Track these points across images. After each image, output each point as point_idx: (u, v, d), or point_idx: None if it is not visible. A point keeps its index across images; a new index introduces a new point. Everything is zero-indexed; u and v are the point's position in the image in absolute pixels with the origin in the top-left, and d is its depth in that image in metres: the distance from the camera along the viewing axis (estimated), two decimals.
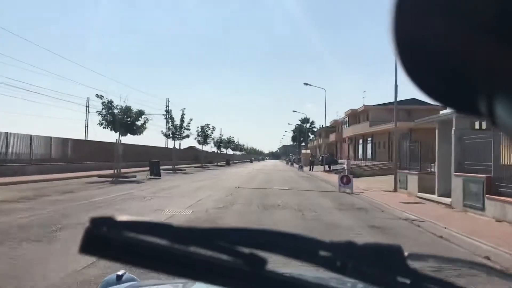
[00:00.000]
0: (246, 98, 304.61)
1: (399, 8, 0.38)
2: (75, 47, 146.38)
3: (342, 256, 0.54)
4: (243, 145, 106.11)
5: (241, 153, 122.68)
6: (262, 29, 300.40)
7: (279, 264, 0.63)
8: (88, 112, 19.68)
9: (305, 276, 0.62)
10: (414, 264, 0.57)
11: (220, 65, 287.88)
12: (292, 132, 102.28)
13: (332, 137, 73.35)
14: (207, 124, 44.03)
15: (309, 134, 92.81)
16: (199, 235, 0.55)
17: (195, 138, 43.34)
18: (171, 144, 42.51)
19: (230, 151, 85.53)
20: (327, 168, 38.85)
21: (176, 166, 32.09)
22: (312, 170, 39.69)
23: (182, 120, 33.16)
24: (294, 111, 62.99)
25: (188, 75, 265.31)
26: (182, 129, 32.97)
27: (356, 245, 0.55)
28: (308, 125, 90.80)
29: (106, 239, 0.54)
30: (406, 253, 0.57)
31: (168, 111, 33.72)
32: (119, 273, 1.56)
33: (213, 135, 45.36)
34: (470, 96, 0.40)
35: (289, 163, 75.85)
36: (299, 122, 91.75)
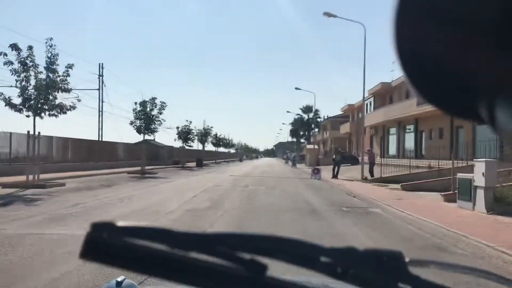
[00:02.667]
0: (240, 96, 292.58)
1: (400, 16, 0.38)
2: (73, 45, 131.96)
3: (343, 262, 0.54)
4: (230, 139, 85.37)
5: (232, 150, 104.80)
6: (254, 25, 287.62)
7: (280, 270, 0.60)
8: None
9: (306, 283, 0.61)
10: (415, 270, 0.57)
11: (214, 63, 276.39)
12: (290, 125, 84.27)
13: (345, 128, 55.92)
14: (153, 99, 25.42)
15: (311, 126, 75.13)
16: (199, 240, 0.55)
17: (132, 123, 25.35)
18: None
19: (215, 148, 67.62)
20: (366, 174, 20.96)
21: (58, 176, 14.37)
22: (337, 176, 22.02)
23: (49, 68, 13.93)
24: (297, 88, 45.08)
25: (182, 74, 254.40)
26: (52, 91, 13.77)
27: (357, 251, 0.55)
28: (311, 115, 73.03)
29: (106, 245, 0.54)
30: (407, 259, 0.56)
31: (15, 47, 13.37)
32: (119, 279, 1.45)
33: (161, 117, 26.02)
34: (470, 101, 0.40)
35: (289, 162, 57.92)
36: (300, 112, 73.74)
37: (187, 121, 39.35)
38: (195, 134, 39.01)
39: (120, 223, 0.54)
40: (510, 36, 0.34)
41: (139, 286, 1.49)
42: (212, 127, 50.16)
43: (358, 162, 42.37)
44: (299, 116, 74.60)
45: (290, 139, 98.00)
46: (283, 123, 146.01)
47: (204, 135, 48.37)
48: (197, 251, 0.52)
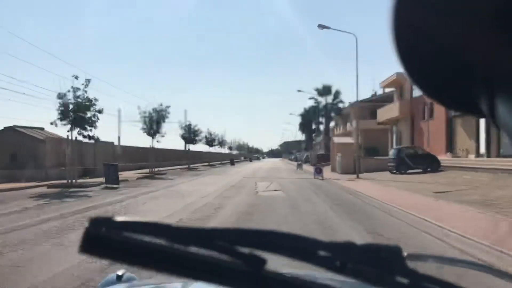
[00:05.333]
0: (242, 97, 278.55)
1: (398, 8, 0.37)
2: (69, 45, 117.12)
3: (341, 256, 0.55)
4: (220, 135, 61.40)
5: (234, 151, 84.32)
6: (254, 26, 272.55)
7: (279, 264, 0.61)
8: None
9: (304, 276, 0.62)
10: (413, 264, 0.58)
11: (213, 64, 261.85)
12: (300, 117, 63.75)
13: (388, 112, 35.78)
14: None
15: (330, 114, 54.61)
16: (198, 235, 0.56)
17: None
18: None
19: (209, 148, 47.04)
20: None
21: None
22: None
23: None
24: (322, 26, 24.60)
25: (181, 74, 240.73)
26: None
27: (356, 246, 0.56)
28: (331, 99, 52.50)
29: (105, 239, 0.55)
30: (405, 253, 0.57)
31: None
32: (119, 272, 1.54)
33: None
34: (470, 96, 0.40)
35: (302, 167, 37.49)
36: (315, 95, 52.95)
37: (81, 86, 17.32)
38: (98, 114, 17.33)
39: (119, 218, 0.55)
40: (510, 29, 0.33)
41: (139, 279, 1.55)
42: (168, 106, 28.62)
43: (439, 166, 22.19)
44: (313, 100, 54.16)
45: (297, 137, 78.04)
46: (290, 114, 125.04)
47: (154, 121, 26.92)
48: (196, 246, 0.52)
